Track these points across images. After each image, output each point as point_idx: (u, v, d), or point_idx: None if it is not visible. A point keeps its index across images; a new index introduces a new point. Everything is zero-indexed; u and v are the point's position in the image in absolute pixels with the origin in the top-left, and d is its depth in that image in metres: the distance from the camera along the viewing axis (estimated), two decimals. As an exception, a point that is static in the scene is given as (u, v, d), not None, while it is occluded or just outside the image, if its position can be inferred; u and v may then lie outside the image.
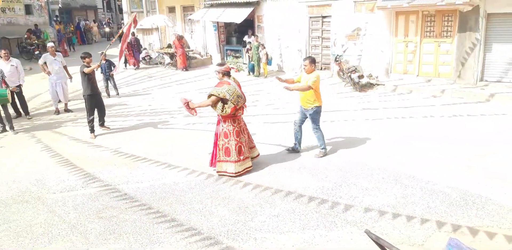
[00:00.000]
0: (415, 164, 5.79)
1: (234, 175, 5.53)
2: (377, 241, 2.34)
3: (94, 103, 7.77)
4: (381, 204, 4.65)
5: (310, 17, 13.28)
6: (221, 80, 5.45)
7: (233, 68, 5.45)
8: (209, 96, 5.35)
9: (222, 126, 5.50)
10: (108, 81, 11.50)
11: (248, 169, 5.67)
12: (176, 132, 7.97)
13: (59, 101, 9.80)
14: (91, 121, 7.72)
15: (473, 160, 5.83)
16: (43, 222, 4.55)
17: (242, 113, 5.62)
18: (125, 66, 16.52)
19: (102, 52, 10.48)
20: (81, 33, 26.63)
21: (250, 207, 4.70)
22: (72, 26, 26.93)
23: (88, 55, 7.77)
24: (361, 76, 10.78)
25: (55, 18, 26.90)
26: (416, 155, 6.14)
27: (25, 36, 20.11)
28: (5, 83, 8.24)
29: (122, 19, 27.28)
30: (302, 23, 13.38)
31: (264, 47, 13.55)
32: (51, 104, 10.19)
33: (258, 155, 6.02)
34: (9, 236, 4.29)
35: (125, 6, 22.72)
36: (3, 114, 8.27)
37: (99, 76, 9.69)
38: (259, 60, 13.63)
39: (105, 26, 22.45)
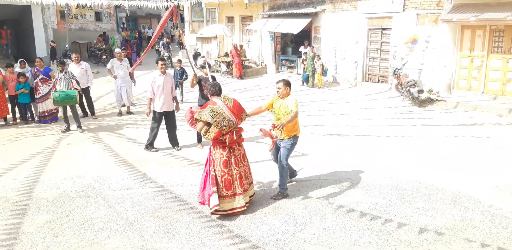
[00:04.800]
0: (476, 186, 5.47)
1: (221, 211, 4.66)
2: None
3: None
4: (438, 226, 4.45)
5: (369, 29, 13.07)
6: (208, 100, 4.91)
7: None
8: (196, 121, 4.79)
9: (211, 152, 4.79)
10: (177, 87, 11.78)
11: (236, 210, 4.70)
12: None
13: (123, 105, 10.37)
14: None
15: (543, 185, 5.42)
16: (103, 217, 4.82)
17: (233, 140, 4.69)
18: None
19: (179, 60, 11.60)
20: (141, 40, 28.10)
21: (300, 218, 4.68)
22: (137, 33, 28.57)
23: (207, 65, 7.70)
24: (421, 91, 10.39)
25: (122, 25, 28.66)
26: (478, 176, 5.80)
27: (95, 41, 21.60)
28: (78, 83, 8.86)
29: (184, 27, 28.40)
30: (361, 35, 13.20)
31: (320, 58, 13.52)
32: (115, 106, 10.81)
33: (253, 195, 5.07)
34: (72, 228, 4.58)
35: (186, 16, 23.74)
36: (69, 114, 8.88)
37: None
38: (314, 71, 13.60)
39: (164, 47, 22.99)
